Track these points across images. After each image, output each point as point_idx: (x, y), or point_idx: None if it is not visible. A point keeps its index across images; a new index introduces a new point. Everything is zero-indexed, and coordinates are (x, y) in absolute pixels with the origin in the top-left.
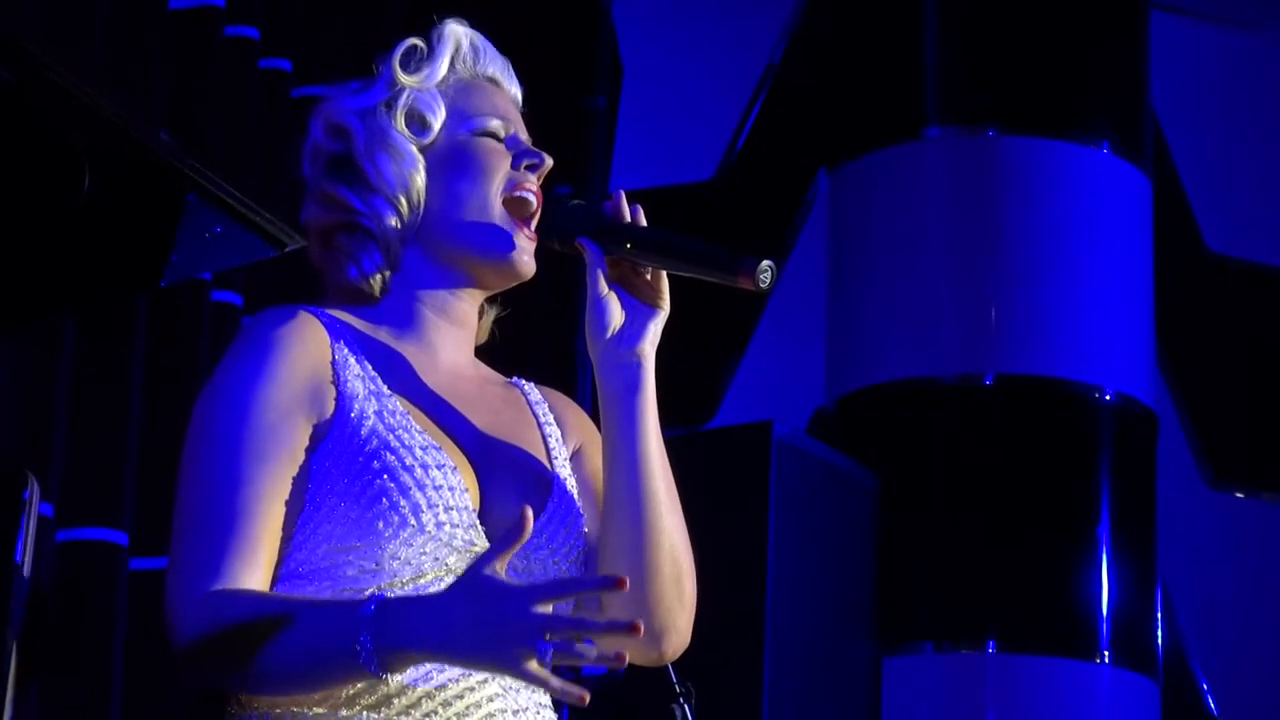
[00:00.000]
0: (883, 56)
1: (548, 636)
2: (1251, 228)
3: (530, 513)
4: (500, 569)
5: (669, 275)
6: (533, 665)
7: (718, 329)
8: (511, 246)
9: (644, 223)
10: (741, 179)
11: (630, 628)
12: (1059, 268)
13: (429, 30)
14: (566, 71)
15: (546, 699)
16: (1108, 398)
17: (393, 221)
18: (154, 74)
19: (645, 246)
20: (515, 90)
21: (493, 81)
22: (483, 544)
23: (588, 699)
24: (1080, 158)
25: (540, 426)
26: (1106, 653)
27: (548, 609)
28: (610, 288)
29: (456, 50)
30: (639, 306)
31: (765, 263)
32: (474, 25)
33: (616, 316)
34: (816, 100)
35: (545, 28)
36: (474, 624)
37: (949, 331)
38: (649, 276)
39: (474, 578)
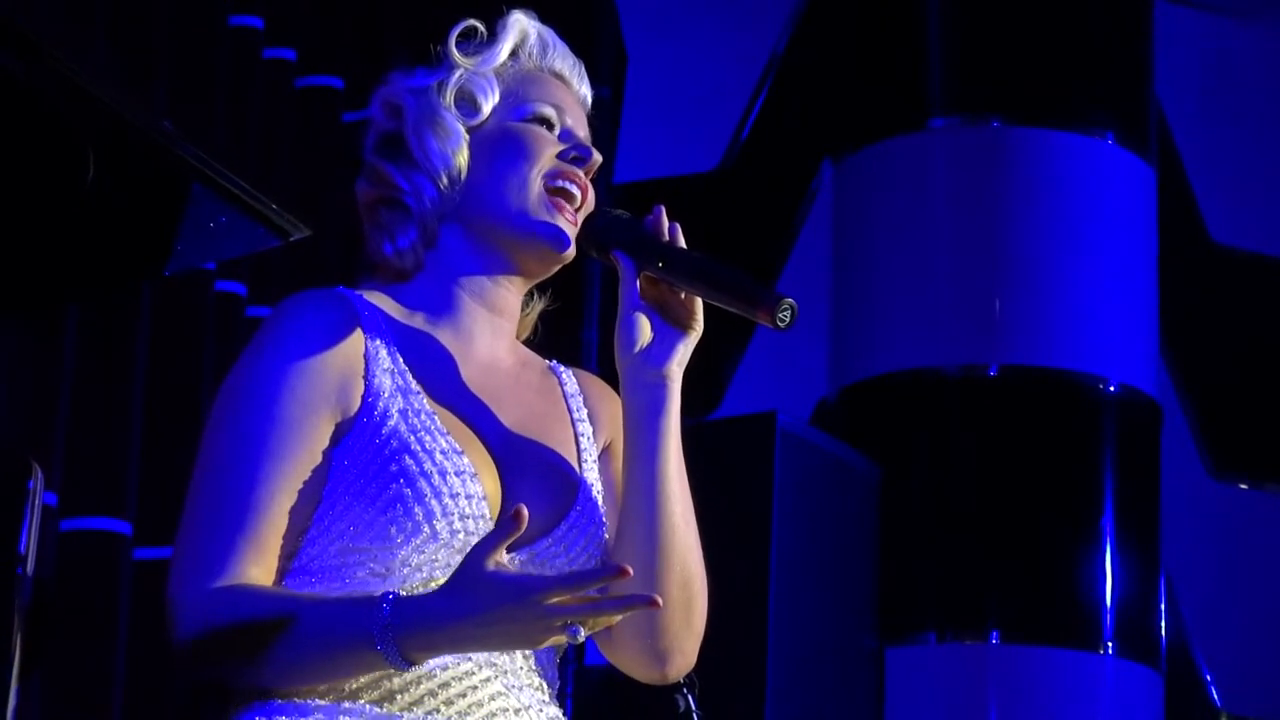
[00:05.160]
0: (887, 47)
1: (569, 622)
2: (1256, 219)
3: (524, 512)
4: (500, 561)
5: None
6: (556, 637)
7: (721, 319)
8: (547, 224)
9: (681, 242)
10: (746, 170)
11: (649, 601)
12: (1063, 259)
13: (490, 21)
14: None
15: (548, 695)
16: (1111, 389)
17: (432, 198)
18: (158, 64)
19: (676, 267)
20: (584, 90)
21: (558, 76)
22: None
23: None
24: (1084, 148)
25: (574, 424)
26: (1110, 644)
27: (559, 599)
28: (643, 304)
29: (522, 41)
30: (670, 326)
31: (787, 300)
32: (478, 15)
33: (645, 334)
34: (821, 91)
35: (548, 17)
36: (493, 622)
37: (953, 322)
38: (683, 296)
39: (477, 575)
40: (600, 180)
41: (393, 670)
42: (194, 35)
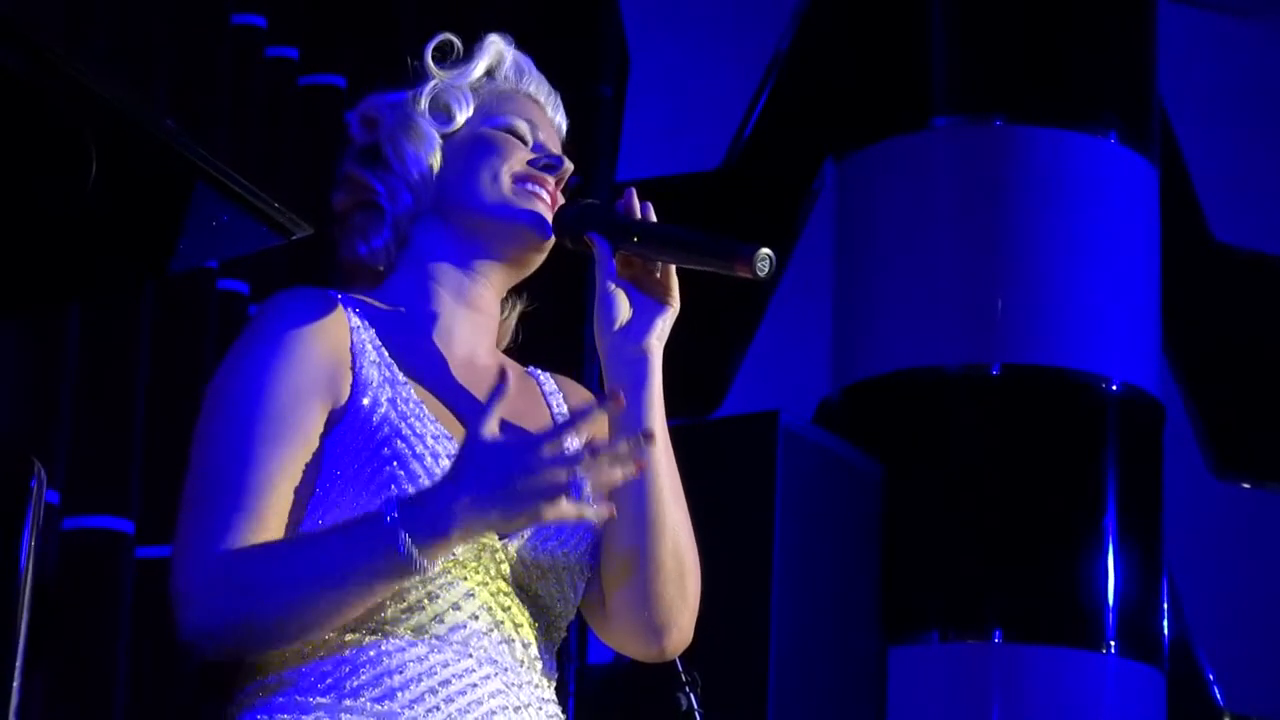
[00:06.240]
0: (890, 46)
1: (570, 474)
2: (1258, 217)
3: (510, 375)
4: (494, 431)
5: (679, 272)
6: (564, 505)
7: (724, 318)
8: (526, 210)
9: (654, 219)
10: (748, 168)
11: (643, 433)
12: (1065, 257)
13: (471, 31)
14: (573, 60)
15: (549, 694)
16: (1114, 388)
17: (406, 199)
18: (160, 62)
19: (650, 240)
20: (559, 119)
21: (533, 100)
22: (491, 535)
23: (615, 513)
24: (1087, 147)
25: (554, 417)
26: (1113, 643)
27: (556, 450)
28: (619, 283)
29: (498, 62)
30: (648, 302)
31: (763, 251)
32: (482, 14)
33: (624, 311)
34: (823, 89)
35: (552, 16)
36: (500, 486)
37: (955, 321)
38: (659, 275)
39: (475, 448)
40: (602, 179)
41: (393, 664)
42: (196, 34)
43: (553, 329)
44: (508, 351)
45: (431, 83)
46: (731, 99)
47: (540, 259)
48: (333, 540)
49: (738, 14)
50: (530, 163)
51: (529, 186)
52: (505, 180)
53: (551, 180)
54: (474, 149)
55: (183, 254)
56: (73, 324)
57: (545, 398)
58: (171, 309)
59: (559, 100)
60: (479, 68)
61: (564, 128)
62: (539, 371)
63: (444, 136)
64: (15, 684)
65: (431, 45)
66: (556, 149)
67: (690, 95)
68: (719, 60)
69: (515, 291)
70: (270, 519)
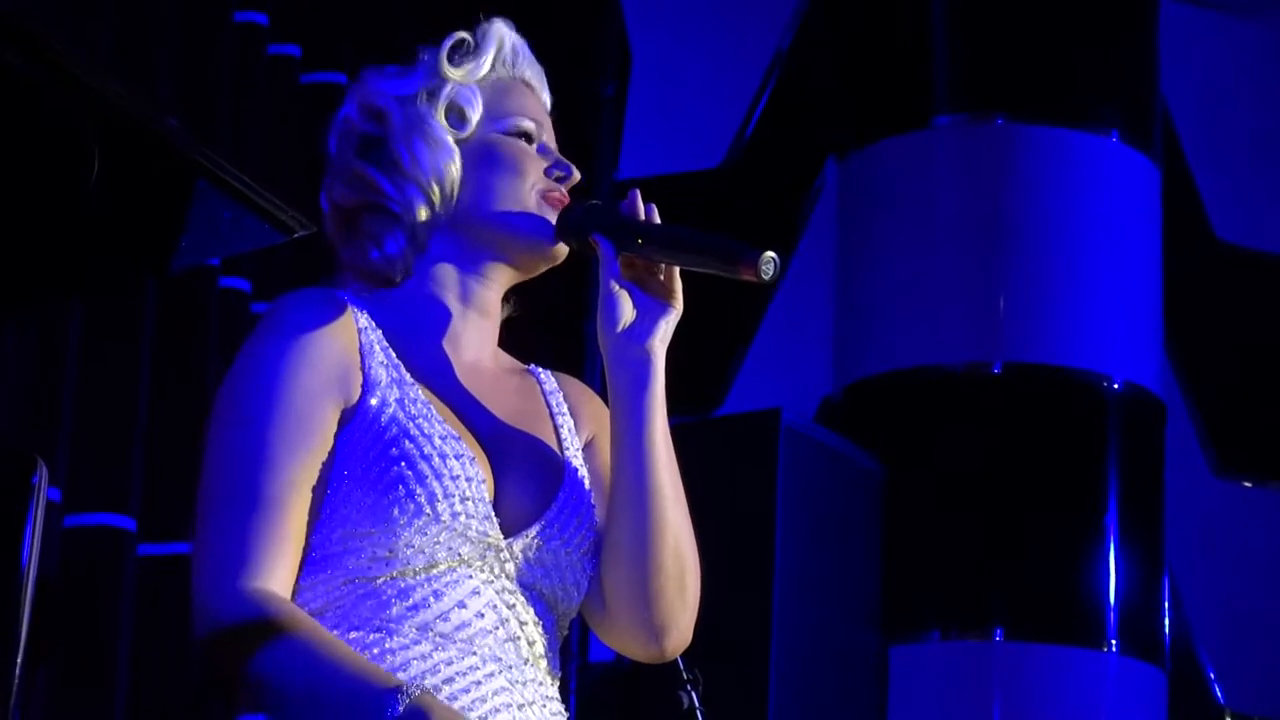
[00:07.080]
0: (891, 44)
1: None
2: (1260, 216)
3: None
4: None
5: (682, 271)
6: None
7: (726, 317)
8: (547, 228)
9: (658, 220)
10: (750, 167)
11: None
12: (1067, 256)
13: (473, 26)
14: (575, 59)
15: (553, 691)
16: (1116, 386)
17: (422, 209)
18: (163, 60)
19: (654, 241)
20: (546, 96)
21: (526, 84)
22: (496, 535)
23: None
24: (1089, 146)
25: (553, 417)
26: (1114, 641)
27: None
28: (623, 284)
29: (499, 50)
30: (651, 304)
31: (768, 254)
32: (483, 12)
33: (627, 312)
34: (825, 88)
35: (554, 15)
36: None
37: (957, 320)
38: (662, 276)
39: None
40: (604, 178)
41: (397, 662)
42: (198, 32)
43: (553, 329)
44: (504, 350)
45: (448, 85)
46: (732, 98)
47: (547, 264)
48: (339, 683)
49: (738, 13)
50: (546, 173)
51: (547, 203)
52: (529, 199)
53: (565, 190)
54: (490, 162)
55: (184, 252)
56: (75, 321)
57: (545, 397)
58: (173, 307)
59: (544, 76)
60: (488, 62)
61: (549, 104)
62: (539, 370)
63: (458, 142)
64: (16, 682)
65: (447, 44)
66: (553, 140)
67: (691, 94)
68: (720, 59)
69: (514, 291)
70: (293, 528)
